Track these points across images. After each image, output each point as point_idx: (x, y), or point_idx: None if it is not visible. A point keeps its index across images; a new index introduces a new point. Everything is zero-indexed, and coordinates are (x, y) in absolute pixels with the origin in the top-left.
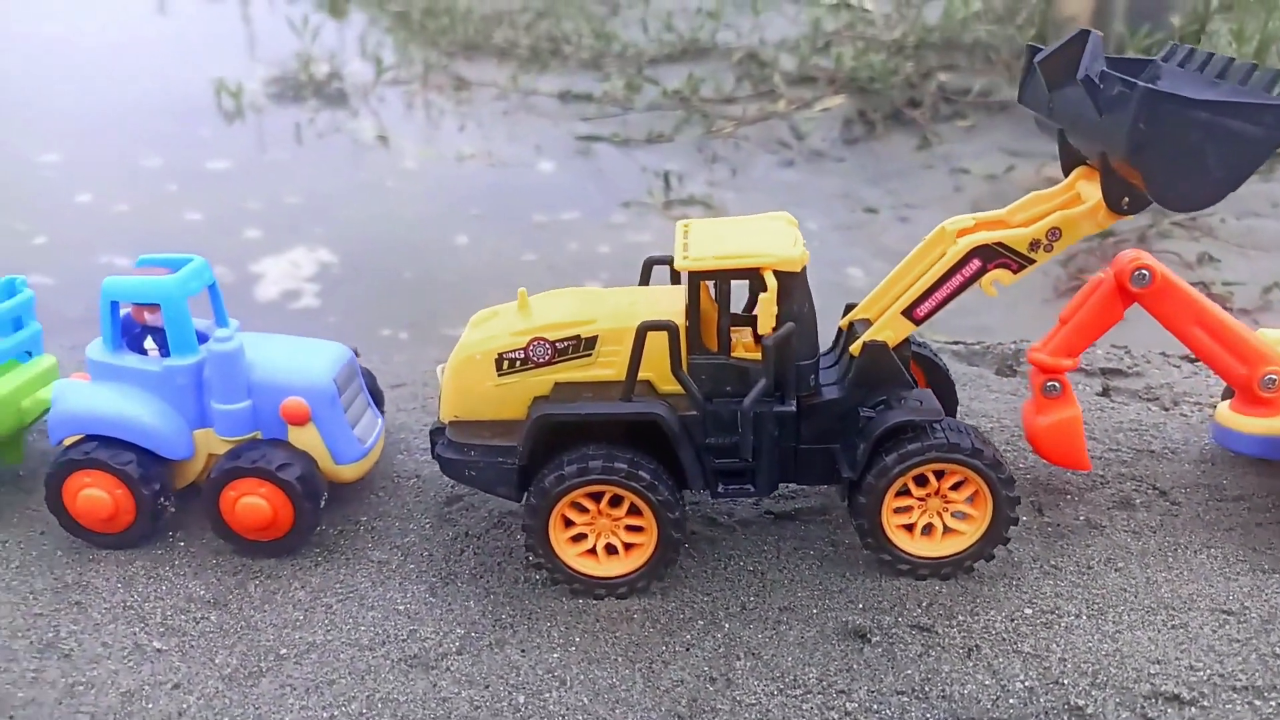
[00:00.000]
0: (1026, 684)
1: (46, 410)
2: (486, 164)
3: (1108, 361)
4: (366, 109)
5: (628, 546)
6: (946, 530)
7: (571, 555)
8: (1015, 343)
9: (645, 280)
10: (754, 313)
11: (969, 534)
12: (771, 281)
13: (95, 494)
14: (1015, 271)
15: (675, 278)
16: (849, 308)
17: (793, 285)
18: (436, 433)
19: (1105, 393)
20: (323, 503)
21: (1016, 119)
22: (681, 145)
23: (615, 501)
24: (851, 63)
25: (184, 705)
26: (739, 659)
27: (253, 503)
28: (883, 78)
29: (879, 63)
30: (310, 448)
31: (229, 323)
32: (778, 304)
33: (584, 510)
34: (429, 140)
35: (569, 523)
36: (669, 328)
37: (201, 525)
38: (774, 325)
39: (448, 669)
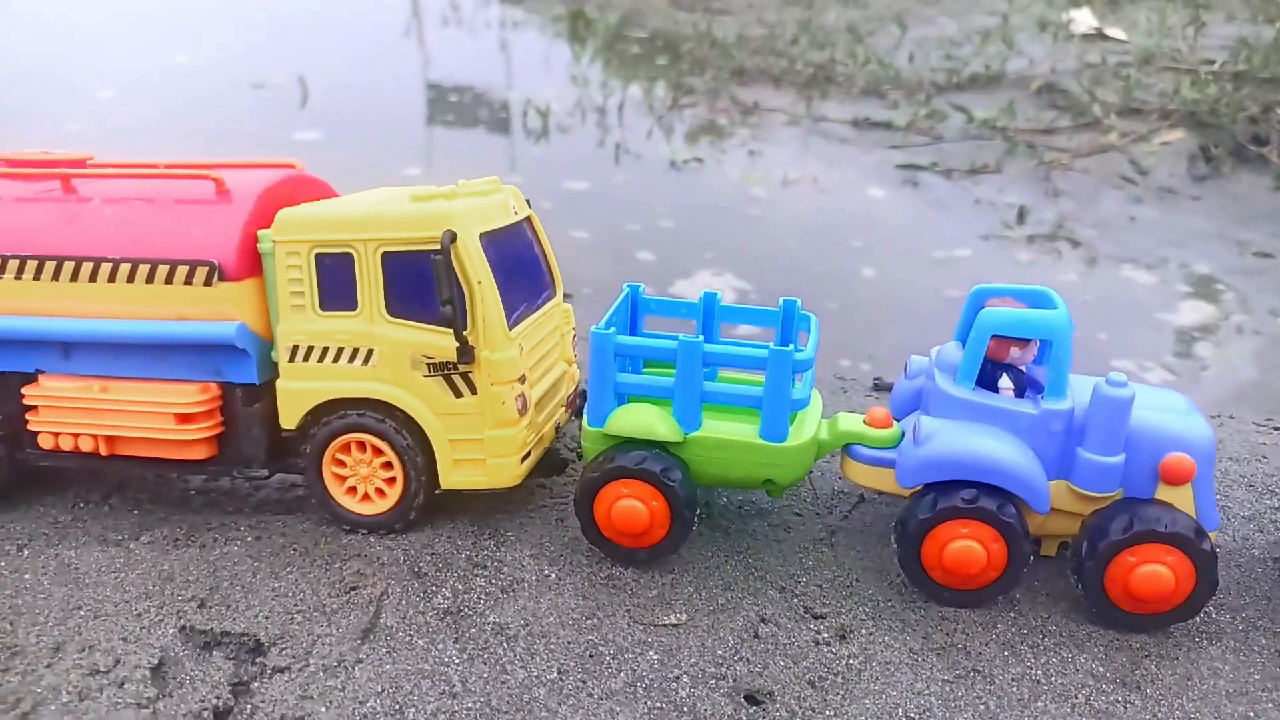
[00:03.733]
0: None
1: (830, 446)
2: (814, 189)
3: None
4: (660, 131)
5: None
6: None
7: None
8: None
9: None
10: None
11: None
12: None
13: (969, 547)
14: None
15: None
16: None
17: None
18: None
19: None
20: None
21: None
22: (1009, 177)
23: None
24: (1192, 94)
25: None
26: None
27: (1154, 571)
28: (1230, 112)
29: (1217, 95)
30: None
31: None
32: None
33: None
34: (740, 164)
35: None
36: None
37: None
38: None
39: None
